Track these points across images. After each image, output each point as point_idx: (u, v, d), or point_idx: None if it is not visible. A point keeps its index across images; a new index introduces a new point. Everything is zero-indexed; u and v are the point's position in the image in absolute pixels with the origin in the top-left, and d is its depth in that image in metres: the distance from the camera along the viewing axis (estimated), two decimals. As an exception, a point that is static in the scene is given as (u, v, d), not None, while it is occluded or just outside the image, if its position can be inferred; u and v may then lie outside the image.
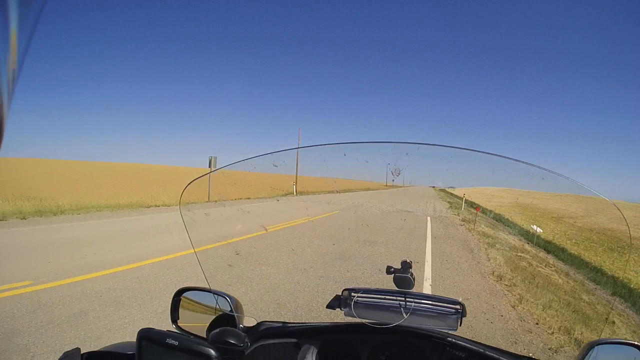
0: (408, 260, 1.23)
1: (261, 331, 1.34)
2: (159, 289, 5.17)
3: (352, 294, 1.26)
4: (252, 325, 1.37)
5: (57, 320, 4.05)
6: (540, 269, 8.67)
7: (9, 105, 0.33)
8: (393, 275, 1.22)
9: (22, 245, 7.64)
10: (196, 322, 1.44)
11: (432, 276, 6.28)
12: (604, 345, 1.11)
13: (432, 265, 6.96)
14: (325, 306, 1.30)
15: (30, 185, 20.43)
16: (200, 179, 1.33)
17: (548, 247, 13.97)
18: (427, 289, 5.30)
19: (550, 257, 12.10)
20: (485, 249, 8.80)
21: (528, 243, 11.76)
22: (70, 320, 4.05)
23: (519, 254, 9.29)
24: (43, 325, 3.91)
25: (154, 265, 6.39)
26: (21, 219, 11.02)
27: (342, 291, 1.28)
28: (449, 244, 8.83)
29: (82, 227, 10.35)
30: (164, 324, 4.11)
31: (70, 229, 9.94)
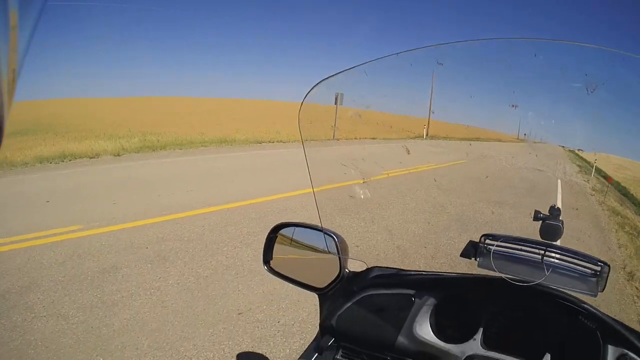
0: (557, 206, 1.12)
1: (372, 278, 1.23)
2: (219, 243, 4.57)
3: (489, 240, 1.12)
4: (361, 270, 1.25)
5: (81, 276, 3.71)
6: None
7: (9, 105, 0.33)
8: (541, 222, 1.10)
9: (98, 184, 7.54)
10: (292, 265, 1.36)
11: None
12: None
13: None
14: (459, 254, 1.15)
15: (142, 122, 21.44)
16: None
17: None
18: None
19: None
20: (616, 230, 7.44)
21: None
22: (94, 278, 3.69)
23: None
24: (63, 282, 3.59)
25: (230, 211, 5.79)
26: (115, 155, 11.00)
27: (480, 237, 1.13)
28: (580, 218, 7.28)
29: (175, 164, 10.16)
30: (201, 295, 3.68)
31: (160, 166, 9.81)
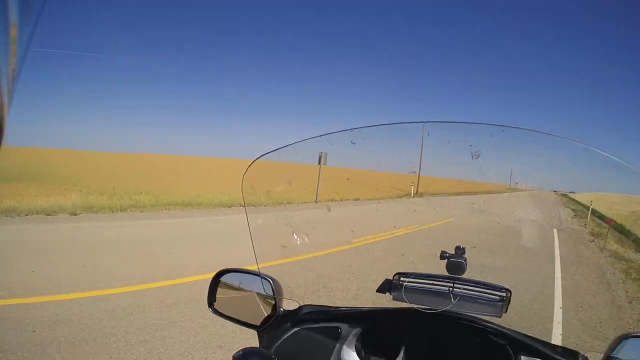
0: (462, 246, 1.27)
1: (303, 314, 1.34)
2: (112, 337, 3.94)
3: (402, 278, 1.26)
4: (293, 308, 1.36)
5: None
6: None
7: (9, 105, 0.34)
8: (446, 260, 1.25)
9: (34, 244, 7.24)
10: (234, 305, 1.46)
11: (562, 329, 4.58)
12: (635, 339, 1.09)
13: (562, 302, 5.45)
14: (374, 291, 1.30)
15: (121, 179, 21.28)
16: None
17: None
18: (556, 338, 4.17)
19: None
20: (623, 280, 7.02)
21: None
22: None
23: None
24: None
25: (144, 293, 5.18)
26: (71, 214, 10.76)
27: (394, 275, 1.28)
28: (582, 272, 7.26)
29: (122, 228, 9.76)
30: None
31: (105, 229, 9.45)
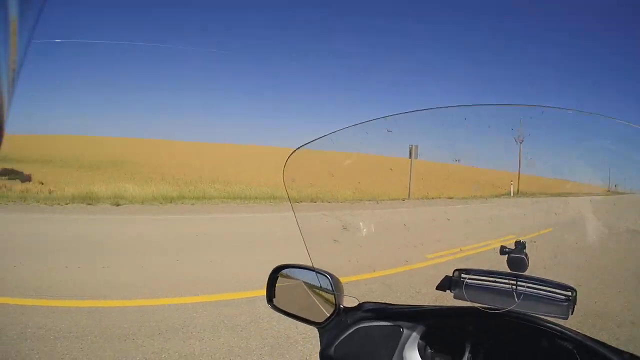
0: (522, 240, 1.23)
1: (362, 312, 1.34)
2: None
3: (463, 275, 1.23)
4: (353, 305, 1.36)
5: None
6: None
7: (9, 105, 0.34)
8: (507, 256, 1.20)
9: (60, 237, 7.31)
10: (293, 301, 1.48)
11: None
12: None
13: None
14: (434, 288, 1.28)
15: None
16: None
17: None
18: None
19: None
20: None
21: None
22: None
23: None
24: None
25: (149, 311, 4.37)
26: (114, 204, 11.54)
27: (453, 272, 1.25)
28: None
29: (164, 223, 9.79)
30: None
31: (146, 223, 9.66)
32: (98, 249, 6.80)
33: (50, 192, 14.28)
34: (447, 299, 1.28)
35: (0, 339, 3.57)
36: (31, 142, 32.66)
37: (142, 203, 12.75)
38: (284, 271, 1.48)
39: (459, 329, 1.25)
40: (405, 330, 1.26)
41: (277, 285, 1.46)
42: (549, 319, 1.14)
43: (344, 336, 1.27)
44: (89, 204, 12.00)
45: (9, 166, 21.42)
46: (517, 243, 1.21)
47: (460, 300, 1.20)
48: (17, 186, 16.77)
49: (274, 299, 1.46)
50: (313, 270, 1.39)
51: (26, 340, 3.56)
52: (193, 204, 13.25)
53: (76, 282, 5.08)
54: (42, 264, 5.72)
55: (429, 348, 1.26)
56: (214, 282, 5.39)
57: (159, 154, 32.55)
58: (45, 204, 11.69)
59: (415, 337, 1.24)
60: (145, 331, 3.86)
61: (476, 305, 1.17)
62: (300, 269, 1.46)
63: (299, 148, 1.32)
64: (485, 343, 1.21)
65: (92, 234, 8.28)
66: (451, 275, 1.24)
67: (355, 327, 1.29)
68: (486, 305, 1.16)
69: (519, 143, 1.25)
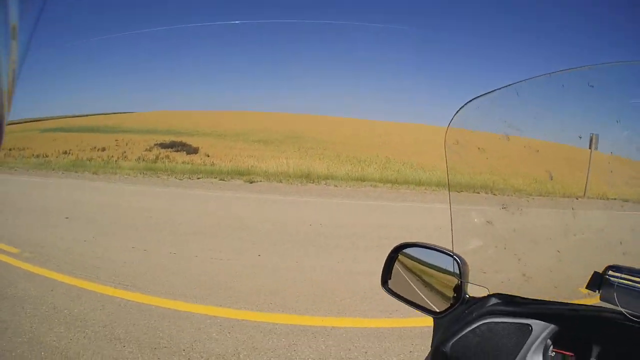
0: None
1: (491, 305, 1.22)
2: None
3: (612, 272, 1.13)
4: (481, 296, 1.25)
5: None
6: None
7: (9, 105, 0.34)
8: None
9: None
10: (410, 286, 1.39)
11: None
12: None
13: None
14: (584, 286, 1.17)
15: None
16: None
17: None
18: None
19: None
20: None
21: None
22: None
23: None
24: None
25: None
26: (248, 182, 11.36)
27: (604, 269, 1.15)
28: None
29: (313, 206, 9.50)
30: None
31: (294, 205, 9.55)
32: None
33: (212, 165, 15.31)
34: (590, 298, 1.17)
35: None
36: (207, 117, 36.33)
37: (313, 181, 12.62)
38: (406, 250, 1.39)
39: (593, 333, 1.11)
40: (534, 330, 1.12)
41: (395, 266, 1.39)
42: None
43: (465, 331, 1.14)
44: (251, 182, 12.49)
45: (180, 139, 24.09)
46: None
47: (605, 303, 1.10)
48: (182, 157, 18.52)
49: (389, 281, 1.39)
50: (440, 251, 1.28)
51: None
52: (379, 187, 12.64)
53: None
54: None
55: (552, 349, 1.12)
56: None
57: (333, 131, 33.22)
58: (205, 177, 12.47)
59: (544, 338, 1.12)
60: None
61: (624, 311, 1.01)
62: (425, 249, 1.35)
63: (467, 103, 1.16)
64: (617, 353, 1.07)
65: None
66: (600, 272, 1.14)
67: (479, 323, 1.15)
68: (637, 313, 1.00)
69: None
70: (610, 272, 1.12)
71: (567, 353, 1.12)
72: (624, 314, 1.02)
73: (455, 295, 1.24)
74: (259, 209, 9.15)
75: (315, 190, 11.41)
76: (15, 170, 15.79)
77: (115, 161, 17.38)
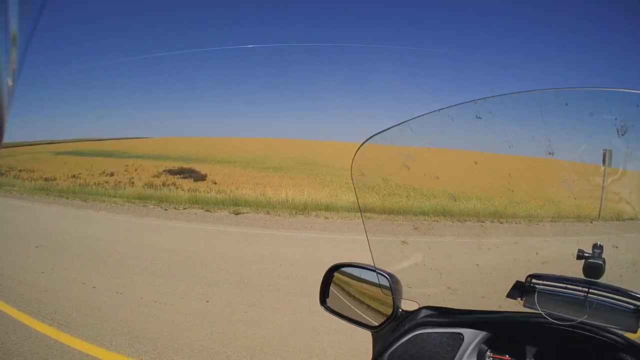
0: (599, 243, 1.19)
1: (423, 317, 1.29)
2: None
3: (534, 280, 1.21)
4: (412, 309, 1.33)
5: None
6: None
7: (10, 105, 0.35)
8: (584, 261, 1.18)
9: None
10: (346, 304, 1.44)
11: None
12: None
13: None
14: (505, 295, 1.24)
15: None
16: None
17: None
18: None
19: None
20: None
21: None
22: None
23: None
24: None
25: None
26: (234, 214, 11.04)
27: (526, 278, 1.22)
28: None
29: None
30: None
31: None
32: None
33: (218, 192, 15.21)
34: (514, 305, 1.23)
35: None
36: (219, 144, 36.58)
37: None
38: (342, 270, 1.45)
39: (523, 338, 1.20)
40: (466, 338, 1.20)
41: (332, 285, 1.44)
42: (617, 330, 1.09)
43: (400, 342, 1.21)
44: (237, 213, 11.95)
45: (189, 165, 24.15)
46: (595, 246, 1.18)
47: (528, 308, 1.16)
48: (188, 184, 18.43)
49: (327, 300, 1.43)
50: (372, 270, 1.34)
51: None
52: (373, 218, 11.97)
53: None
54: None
55: (489, 355, 1.20)
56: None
57: (345, 157, 33.20)
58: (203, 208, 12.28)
59: (476, 345, 1.19)
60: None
61: (545, 314, 1.12)
62: (358, 268, 1.42)
63: (368, 140, 1.26)
64: (548, 352, 1.17)
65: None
66: (523, 280, 1.21)
67: (413, 333, 1.22)
68: (556, 314, 1.11)
69: (620, 135, 1.10)
70: (534, 280, 1.19)
71: (503, 357, 1.19)
72: (544, 316, 1.11)
73: (389, 310, 1.30)
74: (230, 244, 8.59)
75: (302, 223, 10.63)
76: (11, 193, 16.13)
77: (114, 187, 17.35)
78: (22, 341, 4.09)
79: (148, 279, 6.13)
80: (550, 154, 1.23)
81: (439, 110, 1.19)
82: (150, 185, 18.24)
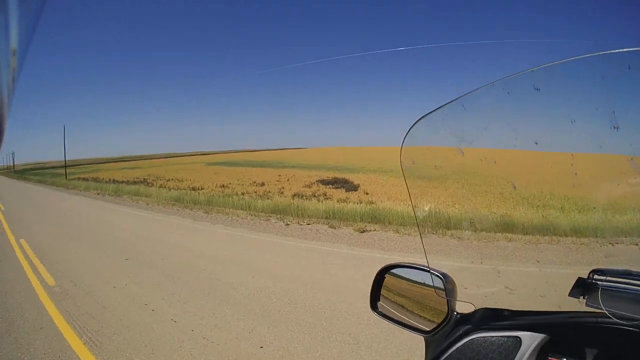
0: None
1: (479, 320, 1.23)
2: None
3: (597, 276, 1.10)
4: (469, 311, 1.26)
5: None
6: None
7: (9, 105, 0.34)
8: None
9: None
10: (398, 307, 1.39)
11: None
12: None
13: None
14: (566, 294, 1.13)
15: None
16: None
17: None
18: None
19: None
20: None
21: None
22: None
23: None
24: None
25: None
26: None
27: (589, 273, 1.12)
28: None
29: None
30: None
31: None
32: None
33: (370, 203, 14.42)
34: (576, 303, 1.13)
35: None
36: (375, 153, 35.79)
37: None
38: (393, 271, 1.41)
39: (586, 341, 1.12)
40: (524, 342, 1.13)
41: (382, 289, 1.40)
42: None
43: (454, 347, 1.16)
44: (362, 231, 10.79)
45: (343, 175, 23.81)
46: None
47: (591, 307, 1.07)
48: (339, 194, 17.87)
49: (378, 304, 1.40)
50: (425, 270, 1.29)
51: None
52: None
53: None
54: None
55: (548, 359, 1.13)
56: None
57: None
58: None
59: (534, 349, 1.12)
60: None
61: (609, 314, 1.02)
62: (411, 269, 1.38)
63: (416, 122, 1.15)
64: (610, 355, 1.08)
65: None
66: (585, 277, 1.11)
67: (469, 338, 1.16)
68: (621, 314, 1.00)
69: None
70: (596, 277, 1.09)
71: None
72: (609, 316, 1.02)
73: (443, 312, 1.24)
74: (329, 268, 7.25)
75: (436, 243, 8.85)
76: (138, 203, 17.40)
77: (261, 197, 17.51)
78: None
79: (218, 306, 5.42)
80: (615, 128, 1.00)
81: (492, 83, 1.07)
82: (299, 195, 18.19)
